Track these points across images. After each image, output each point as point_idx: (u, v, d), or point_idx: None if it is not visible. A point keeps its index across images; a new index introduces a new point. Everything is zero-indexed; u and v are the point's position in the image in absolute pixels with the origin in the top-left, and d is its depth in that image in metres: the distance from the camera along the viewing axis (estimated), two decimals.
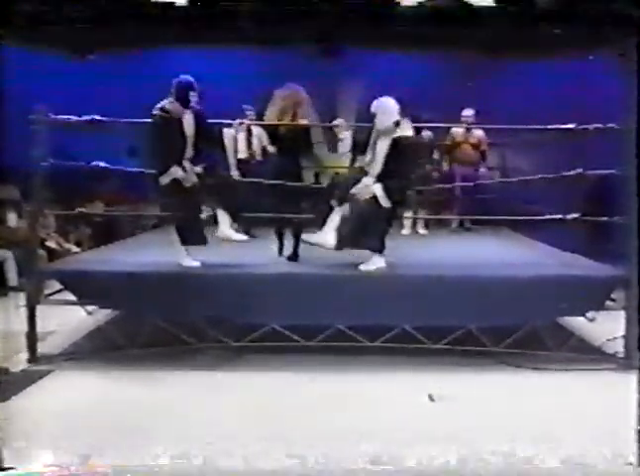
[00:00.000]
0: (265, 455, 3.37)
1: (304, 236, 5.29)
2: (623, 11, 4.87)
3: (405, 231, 7.78)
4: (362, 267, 5.05)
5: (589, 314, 4.95)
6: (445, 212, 8.27)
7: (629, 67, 4.62)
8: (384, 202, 4.98)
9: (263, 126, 5.99)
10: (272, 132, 5.73)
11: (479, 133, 7.94)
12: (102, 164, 5.48)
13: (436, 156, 8.11)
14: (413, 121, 5.19)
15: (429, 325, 4.81)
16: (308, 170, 6.26)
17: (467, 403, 4.12)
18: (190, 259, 5.09)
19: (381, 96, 5.15)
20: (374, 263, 5.05)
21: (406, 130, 5.05)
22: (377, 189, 4.99)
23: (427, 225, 8.00)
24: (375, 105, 5.12)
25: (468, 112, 7.91)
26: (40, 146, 5.01)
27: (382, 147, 5.03)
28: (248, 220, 6.37)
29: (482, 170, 8.01)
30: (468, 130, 7.95)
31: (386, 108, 5.08)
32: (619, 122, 4.97)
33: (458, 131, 8.01)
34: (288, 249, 5.65)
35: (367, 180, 5.06)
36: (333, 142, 5.67)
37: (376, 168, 5.06)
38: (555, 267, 5.40)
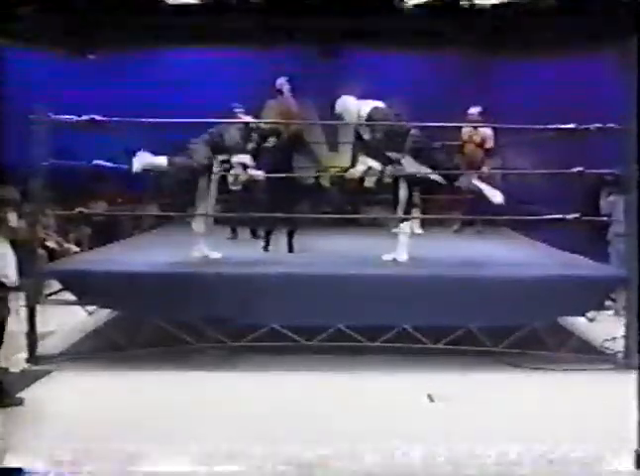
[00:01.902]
0: (265, 455, 3.37)
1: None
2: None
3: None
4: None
5: (589, 314, 4.95)
6: (445, 213, 8.18)
7: (629, 67, 4.62)
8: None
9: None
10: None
11: (484, 131, 7.67)
12: (103, 163, 5.46)
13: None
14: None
15: (429, 325, 4.80)
16: (307, 170, 6.25)
17: (466, 403, 4.11)
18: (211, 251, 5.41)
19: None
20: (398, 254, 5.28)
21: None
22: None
23: (423, 224, 7.89)
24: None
25: (473, 110, 7.74)
26: (40, 146, 5.00)
27: None
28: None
29: (483, 169, 7.84)
30: (474, 128, 7.70)
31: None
32: (620, 122, 4.97)
33: (466, 130, 7.71)
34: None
35: None
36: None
37: None
38: (555, 267, 5.39)
